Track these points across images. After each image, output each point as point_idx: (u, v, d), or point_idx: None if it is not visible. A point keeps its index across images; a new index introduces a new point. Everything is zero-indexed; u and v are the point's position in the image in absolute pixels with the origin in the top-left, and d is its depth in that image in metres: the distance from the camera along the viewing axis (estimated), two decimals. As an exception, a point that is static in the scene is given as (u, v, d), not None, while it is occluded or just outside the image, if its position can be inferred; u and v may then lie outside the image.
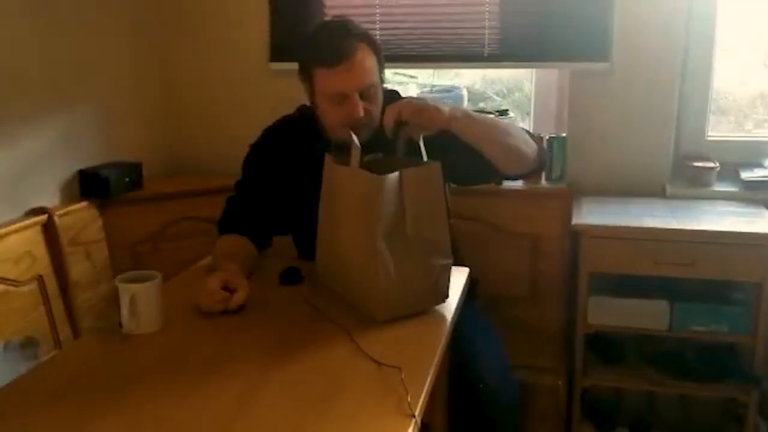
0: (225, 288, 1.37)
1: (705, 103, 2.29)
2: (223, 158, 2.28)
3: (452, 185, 1.80)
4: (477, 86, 2.90)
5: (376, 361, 1.16)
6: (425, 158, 1.35)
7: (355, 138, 1.37)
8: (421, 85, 2.94)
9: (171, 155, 2.62)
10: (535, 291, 2.28)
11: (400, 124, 1.35)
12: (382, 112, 1.42)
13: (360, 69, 1.49)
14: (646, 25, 2.19)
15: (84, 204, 2.13)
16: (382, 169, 1.32)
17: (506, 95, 2.90)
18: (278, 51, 2.45)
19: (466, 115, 1.46)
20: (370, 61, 1.51)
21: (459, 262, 1.56)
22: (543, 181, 2.29)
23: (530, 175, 1.74)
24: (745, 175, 2.18)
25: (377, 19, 2.36)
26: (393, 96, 1.60)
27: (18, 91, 1.95)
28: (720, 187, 2.20)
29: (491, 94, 2.90)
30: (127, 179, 2.24)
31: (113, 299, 1.34)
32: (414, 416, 1.00)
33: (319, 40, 1.52)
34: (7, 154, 1.92)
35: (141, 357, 1.23)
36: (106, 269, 2.17)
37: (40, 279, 1.92)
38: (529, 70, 2.56)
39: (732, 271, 1.94)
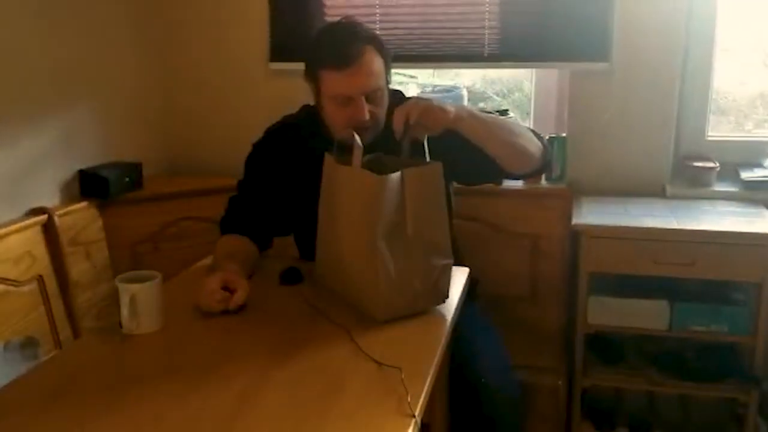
0: (225, 288, 1.37)
1: (705, 103, 2.29)
2: (223, 158, 2.29)
3: (455, 185, 1.79)
4: (477, 86, 2.90)
5: (376, 361, 1.16)
6: (428, 159, 1.35)
7: (357, 138, 1.37)
8: (421, 85, 2.95)
9: (171, 155, 2.62)
10: (535, 291, 2.28)
11: (408, 125, 1.35)
12: (389, 113, 1.42)
13: (367, 72, 1.48)
14: (646, 25, 2.19)
15: (84, 204, 2.12)
16: (383, 169, 1.32)
17: (506, 95, 2.90)
18: (278, 51, 2.45)
19: (472, 115, 1.46)
20: (377, 63, 1.51)
21: (459, 262, 1.56)
22: (543, 181, 2.29)
23: (536, 174, 1.74)
24: (745, 175, 2.18)
25: (377, 19, 2.36)
26: (397, 96, 1.60)
27: (18, 91, 1.95)
28: (720, 187, 2.20)
29: (491, 94, 2.90)
30: (127, 179, 2.24)
31: (113, 299, 1.34)
32: (414, 416, 1.00)
33: (327, 42, 1.52)
34: (7, 154, 1.92)
35: (141, 357, 1.23)
36: (106, 269, 2.17)
37: (40, 279, 1.92)
38: (529, 70, 2.56)
39: (732, 271, 1.94)
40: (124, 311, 1.27)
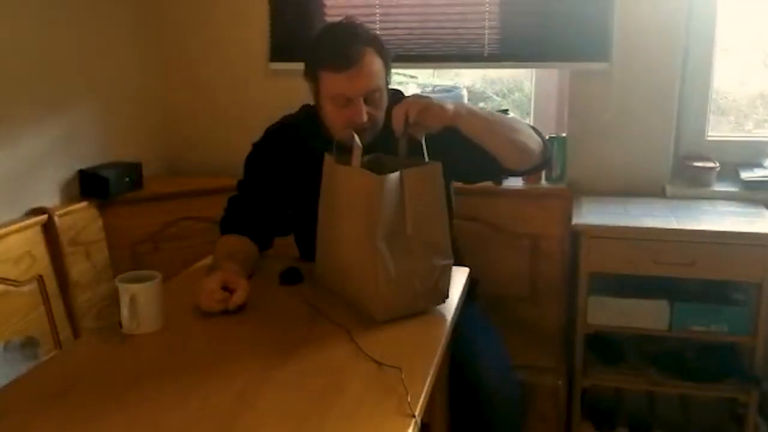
0: (225, 288, 1.37)
1: (705, 103, 2.29)
2: (223, 158, 2.29)
3: (455, 184, 1.79)
4: (477, 86, 2.91)
5: (376, 361, 1.16)
6: (427, 158, 1.34)
7: (356, 138, 1.37)
8: (421, 85, 2.95)
9: (171, 155, 2.62)
10: (535, 291, 2.28)
11: (407, 124, 1.35)
12: (388, 113, 1.42)
13: (366, 74, 1.48)
14: (646, 25, 2.19)
15: (84, 204, 2.12)
16: (383, 169, 1.32)
17: (506, 95, 2.90)
18: (278, 51, 2.45)
19: (471, 112, 1.46)
20: (377, 65, 1.50)
21: (459, 262, 1.56)
22: (543, 181, 2.29)
23: (536, 171, 1.74)
24: (745, 175, 2.18)
25: (377, 19, 2.36)
26: (396, 96, 1.60)
27: (18, 91, 1.95)
28: (720, 187, 2.20)
29: (491, 94, 2.90)
30: (127, 179, 2.24)
31: (113, 299, 1.34)
32: (414, 416, 1.00)
33: (327, 43, 1.52)
34: (7, 154, 1.92)
35: (141, 357, 1.23)
36: (106, 269, 2.17)
37: (40, 279, 1.92)
38: (529, 70, 2.56)
39: (732, 271, 1.94)
40: (124, 311, 1.27)
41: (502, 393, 1.61)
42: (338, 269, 1.43)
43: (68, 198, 2.13)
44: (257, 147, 1.73)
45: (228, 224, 1.67)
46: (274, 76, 2.46)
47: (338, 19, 1.60)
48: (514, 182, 2.27)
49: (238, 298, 1.36)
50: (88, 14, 2.21)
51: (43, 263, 1.94)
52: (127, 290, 1.26)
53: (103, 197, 2.16)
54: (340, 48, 1.47)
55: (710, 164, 2.22)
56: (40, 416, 1.04)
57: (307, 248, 1.64)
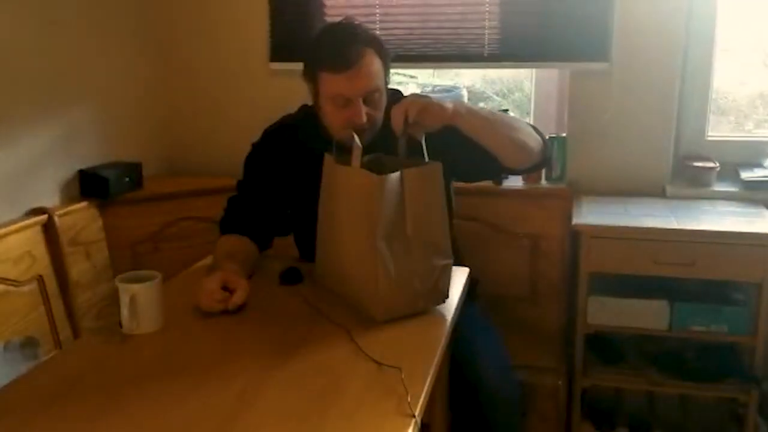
0: (225, 288, 1.37)
1: (705, 103, 2.29)
2: (223, 158, 2.29)
3: (455, 183, 1.79)
4: (477, 86, 2.91)
5: (376, 361, 1.16)
6: (426, 158, 1.35)
7: (356, 138, 1.37)
8: (421, 85, 2.95)
9: (171, 155, 2.62)
10: (535, 291, 2.28)
11: (406, 124, 1.35)
12: (387, 113, 1.42)
13: (365, 75, 1.48)
14: (646, 25, 2.19)
15: (84, 204, 2.12)
16: (383, 169, 1.32)
17: (506, 95, 2.90)
18: (278, 51, 2.45)
19: (470, 111, 1.46)
20: (376, 66, 1.50)
21: (459, 262, 1.56)
22: (543, 181, 2.29)
23: (536, 169, 1.74)
24: (745, 175, 2.18)
25: (377, 19, 2.36)
26: (396, 96, 1.60)
27: (18, 90, 1.95)
28: (720, 187, 2.20)
29: (491, 94, 2.90)
30: (127, 179, 2.24)
31: (113, 299, 1.34)
32: (414, 416, 1.00)
33: (326, 44, 1.51)
34: (7, 154, 1.92)
35: (141, 357, 1.23)
36: (106, 269, 2.17)
37: (40, 279, 1.92)
38: (529, 70, 2.56)
39: (732, 271, 1.94)
40: (124, 311, 1.27)
41: (502, 393, 1.61)
42: (338, 269, 1.43)
43: (68, 198, 2.13)
44: (256, 147, 1.73)
45: (228, 224, 1.67)
46: (274, 76, 2.46)
47: (338, 19, 1.60)
48: (514, 182, 2.28)
49: (238, 298, 1.36)
50: (88, 14, 2.21)
51: (43, 263, 1.94)
52: (127, 290, 1.26)
53: (103, 197, 2.16)
54: (340, 49, 1.47)
55: (710, 164, 2.22)
56: (40, 416, 1.04)
57: (307, 248, 1.64)
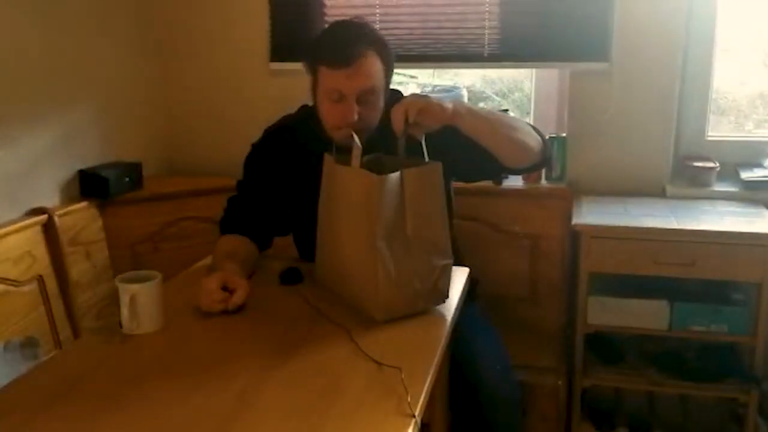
0: (224, 288, 1.37)
1: (705, 103, 2.29)
2: (223, 158, 2.29)
3: (455, 183, 1.79)
4: (477, 86, 2.91)
5: (376, 361, 1.16)
6: (427, 158, 1.34)
7: (356, 138, 1.37)
8: (421, 85, 2.95)
9: (171, 155, 2.62)
10: (535, 291, 2.28)
11: (407, 124, 1.35)
12: (387, 113, 1.42)
13: (363, 74, 1.48)
14: (646, 25, 2.19)
15: (84, 204, 2.12)
16: (383, 169, 1.32)
17: (506, 95, 2.90)
18: (278, 51, 2.45)
19: (470, 111, 1.46)
20: (376, 67, 1.50)
21: (459, 262, 1.56)
22: (543, 181, 2.29)
23: (536, 169, 1.74)
24: (745, 175, 2.18)
25: (377, 19, 2.36)
26: (395, 96, 1.60)
27: (18, 90, 1.95)
28: (720, 187, 2.20)
29: (491, 94, 2.90)
30: (127, 179, 2.24)
31: (113, 299, 1.34)
32: (414, 416, 1.00)
33: (331, 39, 1.52)
34: (7, 154, 1.92)
35: (141, 357, 1.23)
36: (106, 269, 2.17)
37: (40, 279, 1.92)
38: (529, 70, 2.56)
39: (732, 271, 1.94)
40: (124, 311, 1.27)
41: (502, 393, 1.61)
42: (338, 269, 1.43)
43: (68, 198, 2.13)
44: (256, 148, 1.73)
45: (227, 224, 1.67)
46: (274, 76, 2.46)
47: (349, 17, 1.61)
48: (514, 182, 2.28)
49: (237, 298, 1.36)
50: (88, 14, 2.21)
51: (43, 263, 1.94)
52: (127, 290, 1.26)
53: (103, 197, 2.16)
54: (342, 46, 1.47)
55: (710, 164, 2.22)
56: (40, 416, 1.04)
57: (307, 248, 1.65)
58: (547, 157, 1.66)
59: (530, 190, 2.27)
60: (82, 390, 1.11)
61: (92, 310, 2.08)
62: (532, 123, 2.43)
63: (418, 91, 2.85)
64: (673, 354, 2.11)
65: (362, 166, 1.35)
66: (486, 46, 2.32)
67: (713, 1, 2.21)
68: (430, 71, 2.88)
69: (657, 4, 2.17)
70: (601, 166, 2.30)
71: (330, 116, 1.53)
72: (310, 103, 1.64)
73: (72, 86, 2.16)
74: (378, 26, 2.33)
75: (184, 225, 2.31)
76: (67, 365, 1.23)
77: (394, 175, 1.28)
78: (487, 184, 2.14)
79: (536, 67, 2.46)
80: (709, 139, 2.32)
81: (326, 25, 1.63)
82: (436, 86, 2.96)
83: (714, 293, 2.04)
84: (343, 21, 1.59)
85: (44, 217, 1.95)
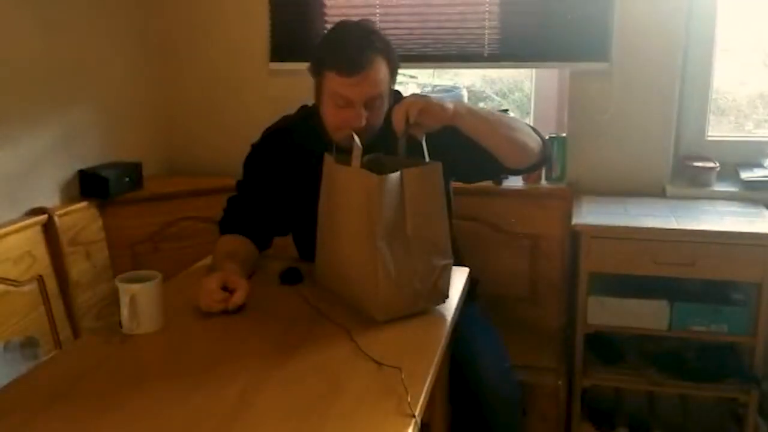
0: (225, 288, 1.37)
1: (705, 103, 2.29)
2: (223, 158, 2.29)
3: (455, 183, 1.79)
4: (477, 86, 2.91)
5: (376, 361, 1.16)
6: (427, 158, 1.34)
7: (356, 138, 1.37)
8: (421, 85, 2.94)
9: (171, 155, 2.62)
10: (535, 291, 2.28)
11: (407, 124, 1.35)
12: (388, 113, 1.42)
13: (371, 82, 1.47)
14: (646, 25, 2.19)
15: (84, 204, 2.12)
16: (383, 169, 1.32)
17: (506, 95, 2.90)
18: (278, 51, 2.45)
19: (470, 111, 1.46)
20: (383, 73, 1.50)
21: (459, 262, 1.56)
22: (543, 181, 2.29)
23: (536, 169, 1.74)
24: (745, 175, 2.18)
25: (377, 19, 2.36)
26: (395, 96, 1.60)
27: (18, 91, 1.95)
28: (720, 187, 2.20)
29: (491, 94, 2.90)
30: (127, 179, 2.24)
31: (113, 299, 1.34)
32: (414, 416, 1.00)
33: (339, 44, 1.50)
34: (7, 154, 1.92)
35: (141, 357, 1.23)
36: (106, 269, 2.17)
37: (40, 279, 1.92)
38: (529, 70, 2.56)
39: (732, 271, 1.94)
40: (124, 311, 1.27)
41: (502, 393, 1.61)
42: (338, 269, 1.43)
43: (68, 198, 2.13)
44: (256, 148, 1.73)
45: (227, 224, 1.67)
46: (274, 76, 2.46)
47: (354, 18, 1.60)
48: (514, 182, 2.28)
49: (237, 298, 1.36)
50: (88, 14, 2.21)
51: (43, 263, 1.94)
52: (127, 290, 1.26)
53: (103, 197, 2.16)
54: (351, 53, 1.45)
55: (710, 164, 2.22)
56: (40, 416, 1.04)
57: (307, 248, 1.64)
58: (546, 157, 1.66)
59: (530, 190, 2.27)
60: (82, 390, 1.11)
61: (92, 310, 2.08)
62: (531, 123, 2.45)
63: (418, 91, 2.85)
64: (673, 354, 2.11)
65: (362, 166, 1.35)
66: (486, 46, 2.32)
67: (713, 1, 2.21)
68: (430, 71, 2.88)
69: (657, 4, 2.17)
70: (601, 166, 2.30)
71: (334, 119, 1.52)
72: (310, 103, 1.64)
73: (72, 86, 2.16)
74: (378, 26, 2.33)
75: (184, 225, 2.31)
76: (67, 365, 1.23)
77: (394, 175, 1.28)
78: (487, 184, 2.14)
79: (536, 67, 2.46)
80: (709, 139, 2.32)
81: (331, 26, 1.60)
82: (436, 86, 2.96)
83: (714, 293, 2.04)
84: (351, 24, 1.56)
85: (44, 217, 1.95)
